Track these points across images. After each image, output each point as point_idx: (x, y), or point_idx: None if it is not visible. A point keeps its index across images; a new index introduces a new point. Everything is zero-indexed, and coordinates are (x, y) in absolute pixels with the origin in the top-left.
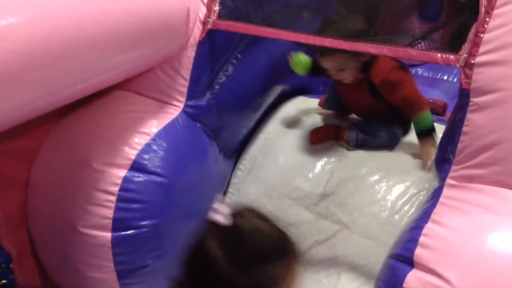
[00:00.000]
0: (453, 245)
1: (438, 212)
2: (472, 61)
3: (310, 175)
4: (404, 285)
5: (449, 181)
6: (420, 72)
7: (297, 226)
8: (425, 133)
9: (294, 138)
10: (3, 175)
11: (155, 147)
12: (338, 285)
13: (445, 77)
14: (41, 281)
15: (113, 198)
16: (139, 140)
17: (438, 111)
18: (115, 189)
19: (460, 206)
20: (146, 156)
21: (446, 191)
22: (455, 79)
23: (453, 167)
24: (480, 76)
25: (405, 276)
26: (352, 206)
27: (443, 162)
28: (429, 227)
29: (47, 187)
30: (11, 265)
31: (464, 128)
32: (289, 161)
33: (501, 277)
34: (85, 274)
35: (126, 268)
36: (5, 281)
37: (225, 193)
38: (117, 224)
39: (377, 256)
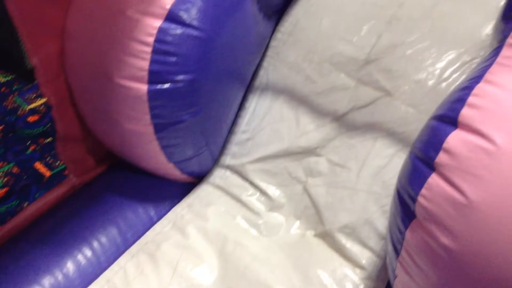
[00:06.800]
0: (505, 105)
1: (494, 72)
2: None
3: (355, 39)
4: (445, 145)
5: (510, 40)
6: None
7: (335, 91)
8: None
9: None
10: (39, 22)
11: None
12: (373, 151)
13: None
14: (81, 133)
15: (149, 49)
16: None
17: None
18: (151, 39)
19: None
20: (182, 7)
21: (505, 51)
22: None
23: None
24: None
25: (446, 135)
26: (397, 72)
27: (508, 19)
28: (480, 87)
29: (82, 36)
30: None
31: None
32: (334, 24)
33: None
34: (123, 126)
35: (163, 122)
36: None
37: (263, 56)
38: (153, 77)
39: (417, 124)
